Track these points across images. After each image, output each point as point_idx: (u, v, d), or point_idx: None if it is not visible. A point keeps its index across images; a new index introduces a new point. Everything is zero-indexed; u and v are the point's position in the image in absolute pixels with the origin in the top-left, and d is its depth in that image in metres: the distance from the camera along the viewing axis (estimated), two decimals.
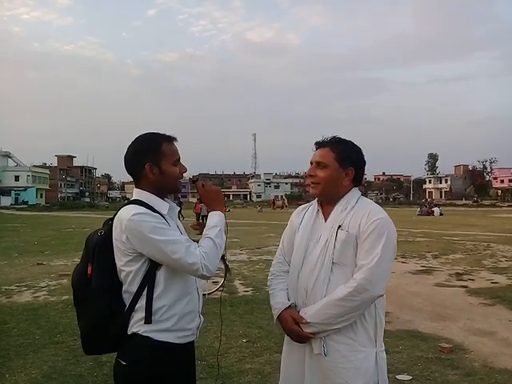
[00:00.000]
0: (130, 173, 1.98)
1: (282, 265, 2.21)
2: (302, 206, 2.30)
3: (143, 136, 1.98)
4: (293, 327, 2.00)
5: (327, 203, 2.09)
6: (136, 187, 1.96)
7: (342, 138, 2.12)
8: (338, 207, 2.03)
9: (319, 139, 2.12)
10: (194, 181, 2.10)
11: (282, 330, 2.09)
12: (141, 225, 1.77)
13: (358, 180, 2.09)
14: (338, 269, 1.96)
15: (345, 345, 1.93)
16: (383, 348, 2.02)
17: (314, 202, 2.16)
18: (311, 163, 2.10)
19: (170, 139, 1.97)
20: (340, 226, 1.97)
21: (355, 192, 2.08)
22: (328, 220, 2.04)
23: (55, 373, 4.01)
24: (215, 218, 1.96)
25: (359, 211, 1.98)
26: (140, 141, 1.96)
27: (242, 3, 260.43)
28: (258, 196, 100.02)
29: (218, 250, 1.88)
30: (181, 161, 1.99)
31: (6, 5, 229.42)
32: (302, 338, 1.99)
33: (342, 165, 2.03)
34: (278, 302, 2.09)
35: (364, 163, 2.12)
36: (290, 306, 2.06)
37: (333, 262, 1.96)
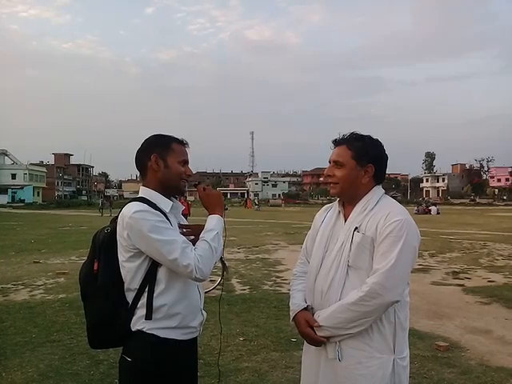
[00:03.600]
0: (138, 166, 2.02)
1: (304, 265, 2.17)
2: (327, 205, 2.23)
3: (157, 134, 2.04)
4: (305, 330, 1.96)
5: (348, 203, 2.02)
6: (142, 185, 2.00)
7: (360, 133, 2.02)
8: (358, 208, 1.96)
9: (336, 137, 2.03)
10: (195, 184, 2.11)
11: (298, 332, 2.05)
12: (141, 223, 1.80)
13: (379, 177, 2.00)
14: (354, 272, 1.90)
15: (360, 351, 1.86)
16: (404, 355, 1.92)
17: (336, 203, 2.11)
18: (329, 162, 2.03)
19: (182, 142, 2.03)
20: (357, 228, 1.91)
21: (377, 191, 1.99)
22: (347, 221, 1.98)
23: (52, 371, 4.00)
24: (213, 221, 1.96)
25: (378, 212, 1.90)
26: (151, 137, 2.03)
27: (241, 2, 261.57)
28: (256, 195, 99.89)
29: (214, 254, 1.87)
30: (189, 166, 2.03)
31: (4, 2, 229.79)
32: (315, 341, 1.94)
33: (359, 162, 1.95)
34: (295, 303, 2.07)
35: (385, 158, 2.03)
36: (306, 308, 2.02)
37: (348, 265, 1.90)
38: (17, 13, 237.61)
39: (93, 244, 2.00)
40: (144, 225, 1.79)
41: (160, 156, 1.95)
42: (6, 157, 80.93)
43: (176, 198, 2.07)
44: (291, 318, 2.07)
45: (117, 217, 1.97)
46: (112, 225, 1.98)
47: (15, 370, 4.04)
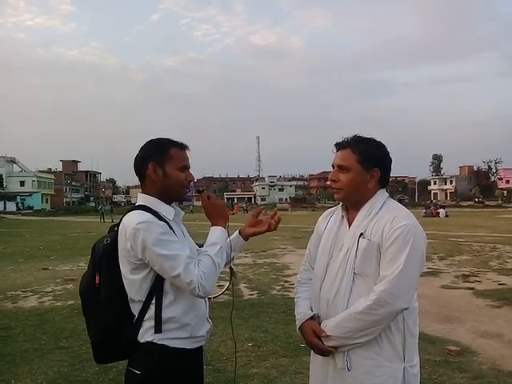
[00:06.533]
0: (136, 174, 1.96)
1: (308, 272, 2.12)
2: (329, 209, 2.17)
3: (154, 139, 1.97)
4: (313, 340, 1.91)
5: (352, 208, 1.96)
6: (142, 192, 1.93)
7: (363, 136, 1.96)
8: (362, 213, 1.91)
9: (339, 140, 1.97)
10: (199, 191, 2.06)
11: (305, 342, 2.01)
12: (145, 235, 1.73)
13: (384, 180, 1.95)
14: (360, 280, 1.84)
15: (369, 360, 1.82)
16: (415, 362, 1.87)
17: (339, 207, 2.05)
18: (333, 166, 1.97)
19: (181, 146, 1.95)
20: (362, 234, 1.86)
21: (381, 195, 1.94)
22: (351, 227, 1.92)
23: (61, 378, 4.00)
24: (217, 234, 1.91)
25: (383, 217, 1.85)
26: (149, 143, 1.96)
27: (245, 7, 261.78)
28: (263, 199, 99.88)
29: (217, 270, 1.83)
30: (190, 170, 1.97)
31: (10, 11, 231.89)
32: (323, 352, 1.89)
33: (365, 167, 1.90)
34: (300, 312, 2.02)
35: (390, 161, 1.98)
36: (312, 317, 1.97)
37: (354, 273, 1.85)
38: (23, 21, 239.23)
39: (92, 256, 1.93)
40: (148, 237, 1.73)
41: (158, 164, 1.87)
42: (14, 164, 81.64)
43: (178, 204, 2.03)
44: (297, 328, 2.02)
45: (115, 225, 1.91)
46: (111, 234, 1.90)
47: (24, 377, 4.04)
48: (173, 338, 1.81)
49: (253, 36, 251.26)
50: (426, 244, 1.89)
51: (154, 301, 1.80)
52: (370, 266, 1.83)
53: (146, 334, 1.81)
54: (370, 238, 1.84)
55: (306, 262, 2.17)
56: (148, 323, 1.81)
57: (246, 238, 2.18)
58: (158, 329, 1.80)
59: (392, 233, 1.80)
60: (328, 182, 2.04)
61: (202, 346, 1.98)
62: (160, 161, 1.88)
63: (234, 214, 43.22)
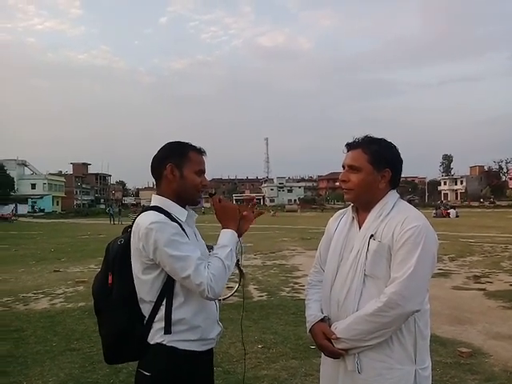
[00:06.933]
0: (153, 174, 1.97)
1: (319, 274, 2.11)
2: (340, 211, 2.15)
3: (173, 142, 1.99)
4: (323, 342, 1.90)
5: (363, 209, 1.95)
6: (156, 193, 1.95)
7: (374, 136, 1.95)
8: (372, 214, 1.89)
9: (350, 140, 1.96)
10: (210, 194, 2.07)
11: (315, 344, 2.00)
12: (157, 235, 1.75)
13: (395, 181, 1.93)
14: (371, 281, 1.83)
15: (380, 362, 1.80)
16: (426, 365, 1.85)
17: (350, 208, 2.04)
18: (343, 167, 1.96)
19: (199, 150, 1.98)
20: (372, 236, 1.84)
21: (392, 196, 1.92)
22: (362, 228, 1.91)
23: (72, 380, 4.02)
24: (227, 237, 1.91)
25: (394, 218, 1.83)
26: (169, 145, 1.98)
27: (252, 9, 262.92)
28: (272, 200, 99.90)
29: (227, 272, 1.83)
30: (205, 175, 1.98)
31: (20, 16, 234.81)
32: (333, 354, 1.88)
33: (376, 167, 1.88)
34: (311, 314, 2.00)
35: (401, 162, 1.96)
36: (323, 319, 1.95)
37: (365, 275, 1.83)
38: (33, 26, 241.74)
39: (106, 256, 1.95)
40: (160, 238, 1.74)
41: (176, 166, 1.89)
42: (25, 167, 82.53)
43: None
44: (308, 330, 2.01)
45: (129, 226, 1.93)
46: (125, 235, 1.92)
47: (36, 378, 4.07)
48: (182, 340, 1.81)
49: (260, 38, 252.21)
50: (437, 245, 1.87)
51: (164, 302, 1.81)
52: (381, 268, 1.82)
53: (155, 336, 1.82)
54: (381, 239, 1.83)
55: (316, 264, 2.16)
56: (158, 324, 1.82)
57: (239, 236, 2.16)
58: (167, 330, 1.80)
59: (403, 234, 1.78)
60: (337, 183, 2.03)
61: (212, 349, 1.97)
62: (178, 162, 1.91)
63: None
